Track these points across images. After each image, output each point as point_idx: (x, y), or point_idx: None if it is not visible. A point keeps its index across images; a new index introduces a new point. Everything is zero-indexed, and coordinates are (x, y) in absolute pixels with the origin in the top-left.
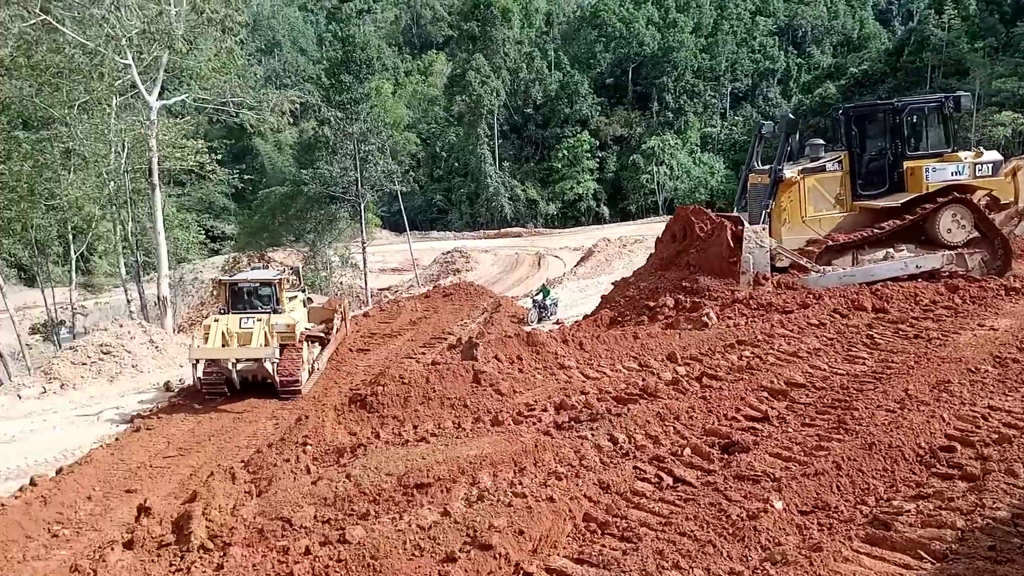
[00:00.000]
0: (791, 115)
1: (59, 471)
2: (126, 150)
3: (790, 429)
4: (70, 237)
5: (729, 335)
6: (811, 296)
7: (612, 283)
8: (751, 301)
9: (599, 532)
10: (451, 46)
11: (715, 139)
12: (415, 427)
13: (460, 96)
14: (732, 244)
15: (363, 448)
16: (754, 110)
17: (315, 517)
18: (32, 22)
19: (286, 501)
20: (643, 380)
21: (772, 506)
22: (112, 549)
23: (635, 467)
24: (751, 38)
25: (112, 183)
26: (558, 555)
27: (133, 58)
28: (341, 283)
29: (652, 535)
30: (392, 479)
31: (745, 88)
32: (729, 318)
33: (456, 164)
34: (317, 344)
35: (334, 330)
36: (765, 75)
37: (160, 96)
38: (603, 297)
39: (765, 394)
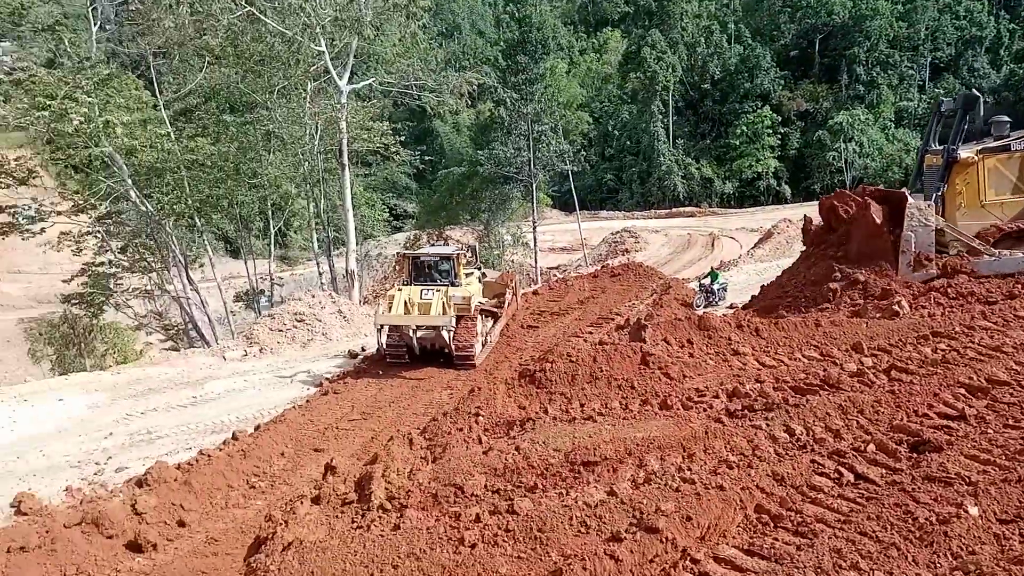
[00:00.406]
0: (974, 90)
1: (257, 428)
2: (319, 132)
3: (990, 430)
4: (269, 213)
5: (923, 326)
6: (1020, 285)
7: (761, 286)
8: (948, 289)
9: (772, 525)
10: (627, 22)
11: (912, 113)
12: (582, 405)
13: (635, 73)
14: (879, 223)
15: (532, 422)
16: (957, 81)
17: (485, 486)
18: (239, 13)
19: (459, 469)
20: (824, 370)
21: (966, 512)
22: (301, 503)
23: (813, 461)
24: (955, 3)
25: (306, 163)
26: (727, 544)
27: (326, 45)
28: (512, 261)
29: (829, 532)
30: (559, 455)
31: (947, 58)
32: (923, 307)
33: (628, 142)
34: (490, 318)
35: (506, 304)
36: (971, 43)
37: (350, 81)
38: (753, 298)
39: (962, 391)
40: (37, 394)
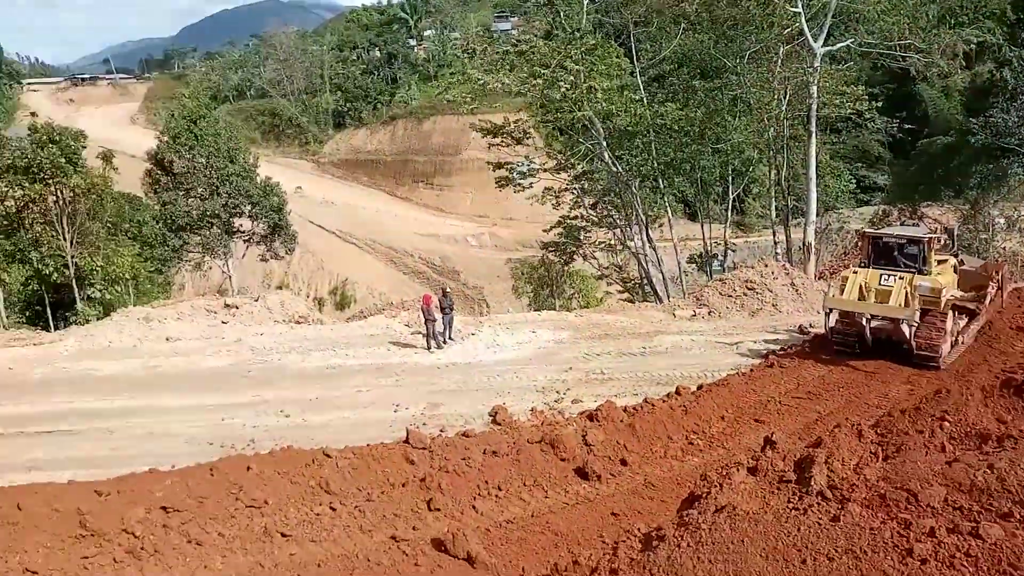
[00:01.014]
0: None
1: (700, 387)
2: (787, 97)
3: None
4: (729, 179)
5: None
6: None
7: None
8: None
9: None
10: None
11: None
12: None
13: None
14: None
15: (1013, 440)
16: None
17: (945, 500)
18: None
19: (914, 474)
20: None
21: None
22: (738, 470)
23: None
24: None
25: (771, 129)
26: None
27: (802, 5)
28: (1003, 248)
29: None
30: None
31: None
32: None
33: None
34: (965, 315)
35: (986, 300)
36: None
37: (825, 42)
38: None
39: None
40: (516, 324)
